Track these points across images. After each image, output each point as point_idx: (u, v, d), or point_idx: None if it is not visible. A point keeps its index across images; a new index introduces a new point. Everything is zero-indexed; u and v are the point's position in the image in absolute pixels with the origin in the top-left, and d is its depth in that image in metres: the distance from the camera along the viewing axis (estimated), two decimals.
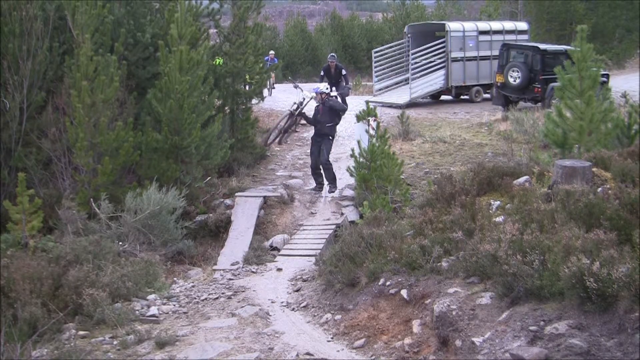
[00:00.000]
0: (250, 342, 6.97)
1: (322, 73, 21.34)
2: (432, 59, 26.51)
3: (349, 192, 13.93)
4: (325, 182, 14.62)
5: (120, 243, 11.09)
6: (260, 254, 11.43)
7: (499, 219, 7.70)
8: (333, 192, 14.33)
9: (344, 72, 21.16)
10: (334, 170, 14.76)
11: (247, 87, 18.11)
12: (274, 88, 28.35)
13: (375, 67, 27.84)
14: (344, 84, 20.96)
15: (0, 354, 6.44)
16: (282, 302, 8.72)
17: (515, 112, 20.81)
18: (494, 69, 25.32)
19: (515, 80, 22.87)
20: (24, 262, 8.61)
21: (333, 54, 22.37)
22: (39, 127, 13.82)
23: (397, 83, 27.98)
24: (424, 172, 15.76)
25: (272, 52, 29.95)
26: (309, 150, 15.56)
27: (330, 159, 16.47)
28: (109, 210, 11.86)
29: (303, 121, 17.22)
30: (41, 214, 11.09)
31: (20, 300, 7.81)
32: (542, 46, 23.73)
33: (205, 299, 9.04)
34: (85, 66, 12.69)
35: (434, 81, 26.47)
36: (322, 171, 14.52)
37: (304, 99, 17.01)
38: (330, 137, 14.63)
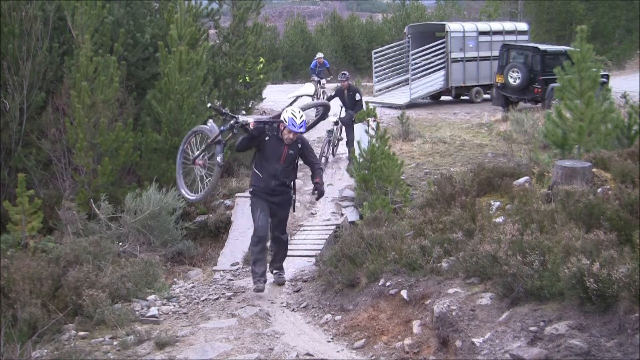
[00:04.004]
0: (250, 342, 6.96)
1: (332, 94, 16.57)
2: (432, 60, 26.59)
3: (349, 193, 13.93)
4: (270, 265, 9.32)
5: (120, 244, 11.10)
6: None
7: (499, 219, 7.70)
8: (282, 281, 9.27)
9: (358, 96, 16.09)
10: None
11: (246, 88, 18.11)
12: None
13: (375, 67, 27.89)
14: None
15: (0, 354, 6.44)
16: (282, 303, 8.71)
17: (515, 112, 20.85)
18: (494, 70, 25.39)
19: (515, 81, 22.90)
20: (24, 263, 8.60)
21: (344, 72, 16.99)
22: (38, 127, 13.84)
23: (397, 83, 28.04)
24: (424, 172, 15.76)
25: (320, 54, 25.30)
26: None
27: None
28: (109, 210, 11.87)
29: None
30: (41, 214, 11.10)
31: (20, 301, 7.80)
32: (542, 47, 23.76)
33: (205, 299, 9.04)
34: (85, 67, 12.70)
35: (434, 82, 26.52)
36: (271, 246, 9.18)
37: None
38: (292, 195, 8.92)
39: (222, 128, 8.61)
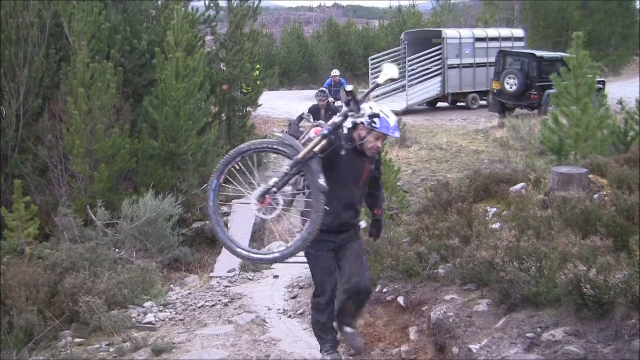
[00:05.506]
0: (247, 349, 6.95)
1: (306, 114, 13.65)
2: (428, 66, 26.63)
3: None
4: (339, 318, 5.96)
5: (117, 250, 11.08)
6: None
7: (496, 225, 7.70)
8: (359, 346, 6.12)
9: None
10: None
11: (242, 94, 18.11)
12: None
13: (372, 74, 27.90)
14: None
15: None
16: (278, 309, 8.71)
17: (511, 118, 20.86)
18: (490, 76, 25.41)
19: (511, 87, 22.95)
20: (20, 269, 8.58)
21: (323, 90, 15.04)
22: (35, 134, 13.82)
23: (393, 90, 28.03)
24: (420, 178, 15.78)
25: (336, 72, 21.63)
26: None
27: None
28: (105, 217, 11.85)
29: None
30: (37, 221, 11.08)
31: (17, 308, 7.79)
32: (538, 53, 23.83)
33: (202, 306, 9.03)
34: (81, 73, 12.69)
35: (431, 88, 26.55)
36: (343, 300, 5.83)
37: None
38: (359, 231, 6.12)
39: (324, 132, 5.39)
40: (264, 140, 5.84)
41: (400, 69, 28.09)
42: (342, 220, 5.73)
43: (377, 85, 5.78)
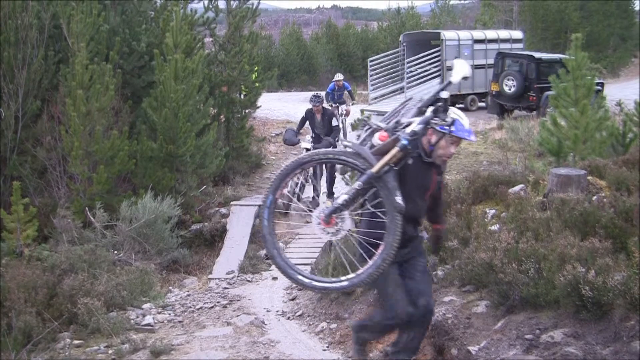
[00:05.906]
0: (246, 351, 6.95)
1: (304, 116, 14.15)
2: (427, 68, 26.60)
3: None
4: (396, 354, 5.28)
5: (116, 252, 11.07)
6: (255, 262, 11.40)
7: (495, 227, 7.70)
8: None
9: (335, 122, 13.84)
10: None
11: (242, 96, 18.09)
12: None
13: (371, 75, 27.88)
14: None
15: None
16: (277, 311, 8.70)
17: (510, 120, 20.87)
18: (489, 78, 25.40)
19: (510, 89, 22.95)
20: (19, 271, 8.58)
21: (317, 94, 14.19)
22: (34, 135, 13.81)
23: (392, 92, 28.00)
24: None
25: (339, 75, 20.08)
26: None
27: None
28: (104, 219, 11.83)
29: None
30: (36, 222, 11.07)
31: (15, 309, 7.78)
32: (537, 55, 23.84)
33: (201, 307, 9.02)
34: (80, 75, 12.68)
35: (429, 90, 26.50)
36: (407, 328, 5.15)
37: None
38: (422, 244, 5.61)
39: (404, 142, 4.73)
40: (328, 150, 5.25)
41: (399, 70, 28.27)
42: (406, 236, 5.03)
43: (450, 84, 5.15)
